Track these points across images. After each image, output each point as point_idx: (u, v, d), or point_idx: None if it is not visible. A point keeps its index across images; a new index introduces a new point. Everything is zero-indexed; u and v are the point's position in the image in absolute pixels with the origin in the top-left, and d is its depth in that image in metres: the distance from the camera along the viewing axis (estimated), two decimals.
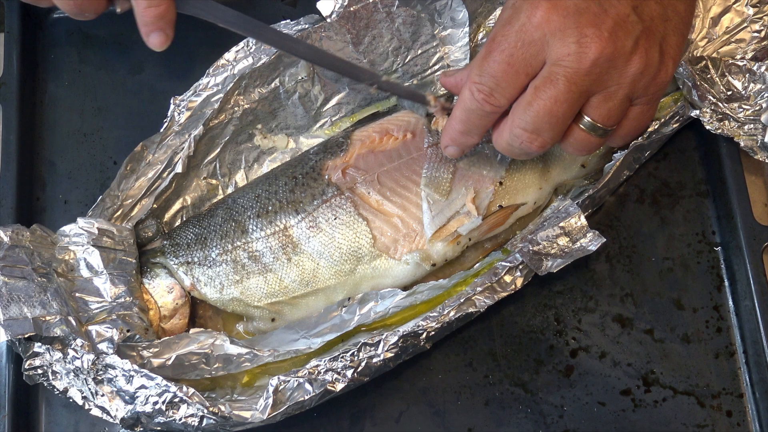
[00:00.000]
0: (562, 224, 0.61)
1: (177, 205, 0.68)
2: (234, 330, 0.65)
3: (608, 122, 0.52)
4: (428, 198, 0.63)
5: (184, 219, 0.68)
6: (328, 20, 0.65)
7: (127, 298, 0.60)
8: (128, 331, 0.58)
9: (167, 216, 0.68)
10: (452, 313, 0.60)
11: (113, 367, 0.57)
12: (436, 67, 0.70)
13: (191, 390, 0.57)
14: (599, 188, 0.65)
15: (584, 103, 0.52)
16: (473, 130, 0.55)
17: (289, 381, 0.58)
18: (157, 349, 0.58)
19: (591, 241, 0.61)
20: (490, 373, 0.65)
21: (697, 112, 0.65)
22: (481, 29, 0.71)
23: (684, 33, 0.53)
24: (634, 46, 0.50)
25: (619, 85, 0.51)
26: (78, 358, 0.57)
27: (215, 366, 0.59)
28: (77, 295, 0.59)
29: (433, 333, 0.60)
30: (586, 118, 0.52)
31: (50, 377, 0.58)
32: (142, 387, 0.57)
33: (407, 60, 0.69)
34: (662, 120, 0.66)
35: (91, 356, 0.56)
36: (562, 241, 0.61)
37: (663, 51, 0.51)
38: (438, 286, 0.61)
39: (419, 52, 0.69)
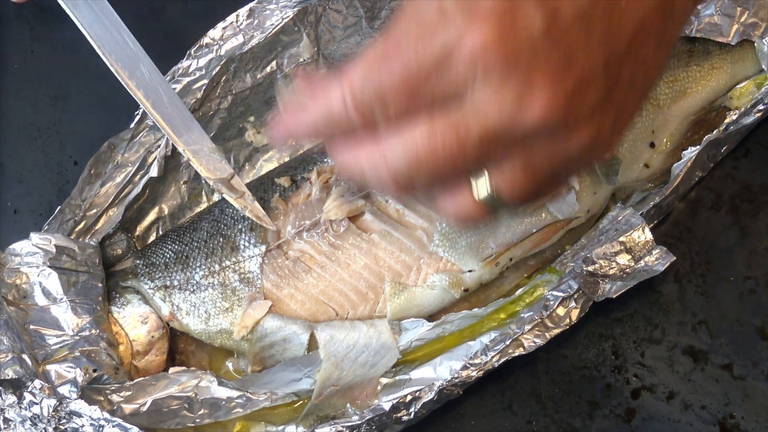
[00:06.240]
0: (622, 239, 0.60)
1: (152, 216, 0.68)
2: (222, 368, 0.64)
3: (512, 197, 0.45)
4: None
5: (161, 233, 0.67)
6: None
7: (93, 331, 0.59)
8: (94, 370, 0.57)
9: (140, 229, 0.67)
10: (496, 359, 0.59)
11: (79, 415, 0.55)
12: None
13: None
14: (667, 194, 0.63)
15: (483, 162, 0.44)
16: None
17: None
18: (129, 393, 0.58)
19: (658, 260, 0.60)
20: (533, 418, 0.64)
21: None
22: None
23: (640, 108, 0.48)
24: (590, 114, 0.42)
25: (549, 158, 0.43)
26: (36, 404, 0.56)
27: (200, 412, 0.58)
28: (32, 327, 0.58)
29: (472, 382, 0.59)
30: (484, 185, 0.44)
31: (1, 426, 0.56)
32: None
33: None
34: (742, 109, 0.64)
35: (53, 401, 0.55)
36: (623, 259, 0.60)
37: (616, 124, 0.44)
38: (471, 316, 0.60)
39: None
